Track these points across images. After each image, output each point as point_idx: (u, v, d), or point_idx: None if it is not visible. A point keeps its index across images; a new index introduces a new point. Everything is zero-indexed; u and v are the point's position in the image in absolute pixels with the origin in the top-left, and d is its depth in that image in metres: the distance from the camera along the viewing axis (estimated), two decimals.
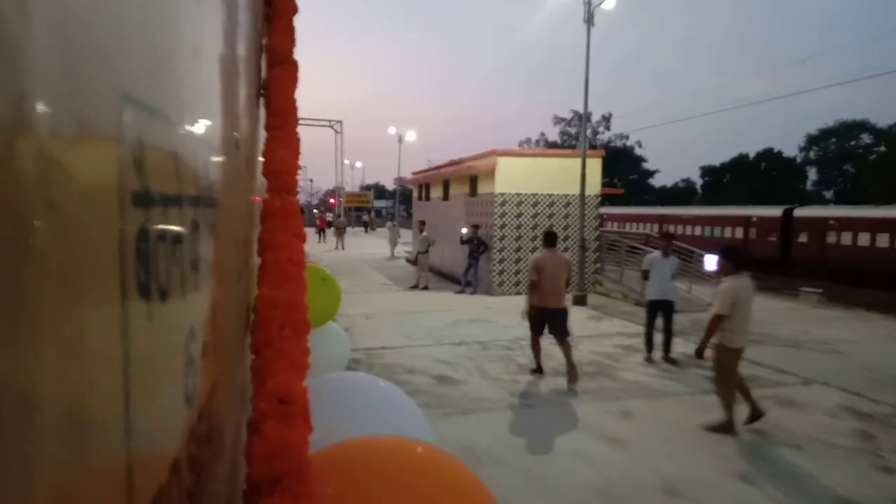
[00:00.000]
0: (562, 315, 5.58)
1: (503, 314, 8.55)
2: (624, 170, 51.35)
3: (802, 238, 20.33)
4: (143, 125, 0.43)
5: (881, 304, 11.55)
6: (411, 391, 4.82)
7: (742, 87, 49.04)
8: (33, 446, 0.28)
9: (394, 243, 19.88)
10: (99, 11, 0.35)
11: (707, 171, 53.24)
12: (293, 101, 1.25)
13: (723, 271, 4.50)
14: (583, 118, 11.16)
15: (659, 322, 6.36)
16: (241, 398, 1.08)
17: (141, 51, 0.43)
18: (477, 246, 11.05)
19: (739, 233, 22.64)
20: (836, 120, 48.79)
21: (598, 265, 11.70)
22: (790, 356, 6.62)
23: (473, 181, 12.05)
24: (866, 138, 47.29)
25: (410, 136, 36.67)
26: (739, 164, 49.90)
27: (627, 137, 52.27)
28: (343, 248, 22.13)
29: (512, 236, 11.14)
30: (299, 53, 1.33)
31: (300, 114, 1.30)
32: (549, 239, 5.73)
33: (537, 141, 56.09)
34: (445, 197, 13.97)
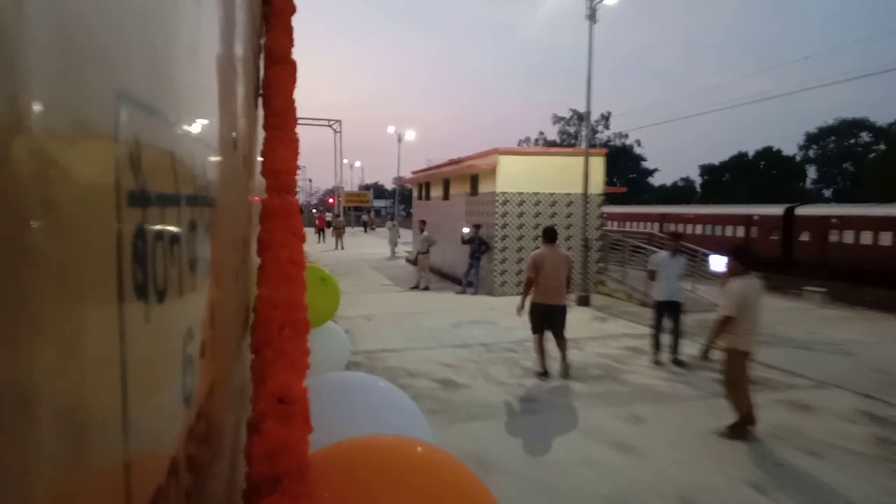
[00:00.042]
0: (561, 312, 5.64)
1: (505, 315, 8.50)
2: (623, 169, 51.34)
3: (804, 237, 20.31)
4: (141, 124, 0.43)
5: (884, 303, 11.54)
6: (414, 396, 4.79)
7: (742, 87, 48.94)
8: (32, 446, 0.28)
9: (394, 243, 19.88)
10: (96, 10, 0.35)
11: (706, 170, 53.20)
12: (292, 101, 1.25)
13: (731, 271, 4.43)
14: (585, 116, 11.15)
15: (666, 323, 6.30)
16: (240, 398, 1.08)
17: (138, 50, 0.43)
18: (478, 246, 11.04)
19: (741, 231, 22.63)
20: (836, 118, 48.90)
21: (602, 265, 11.68)
22: (801, 358, 6.55)
23: (474, 180, 12.04)
24: (866, 137, 47.30)
25: (410, 135, 36.65)
26: (739, 163, 49.86)
27: (627, 136, 52.29)
28: (342, 248, 22.13)
29: (514, 236, 11.13)
30: (298, 53, 1.33)
31: (299, 113, 1.30)
32: (549, 235, 5.73)
33: (536, 140, 56.13)
34: (446, 196, 13.96)
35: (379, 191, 79.68)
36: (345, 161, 41.96)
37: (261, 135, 1.21)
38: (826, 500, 3.39)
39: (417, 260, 12.45)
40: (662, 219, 26.97)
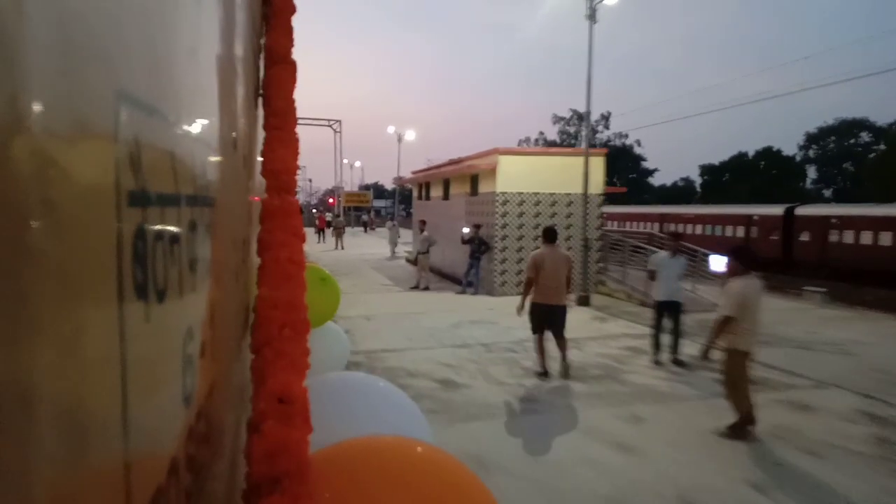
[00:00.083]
0: (561, 312, 5.65)
1: (505, 315, 8.50)
2: (623, 169, 51.36)
3: (804, 237, 20.31)
4: (141, 124, 0.43)
5: (884, 303, 11.54)
6: (414, 396, 4.78)
7: (742, 87, 48.97)
8: (32, 446, 0.28)
9: (394, 243, 19.88)
10: (96, 10, 0.35)
11: (706, 170, 53.21)
12: (292, 101, 1.25)
13: (731, 271, 4.43)
14: (585, 116, 11.15)
15: (666, 323, 6.30)
16: (240, 398, 1.08)
17: (138, 50, 0.43)
18: (478, 246, 11.04)
19: (741, 231, 22.64)
20: (836, 118, 48.90)
21: (602, 265, 11.69)
22: (801, 358, 6.55)
23: (474, 180, 12.04)
24: (866, 136, 47.31)
25: (410, 135, 36.65)
26: (739, 163, 49.86)
27: (627, 136, 52.31)
28: (342, 248, 22.14)
29: (514, 236, 11.13)
30: (298, 53, 1.33)
31: (299, 113, 1.30)
32: (549, 235, 5.74)
33: (536, 140, 56.15)
34: (446, 196, 13.96)
35: (379, 191, 79.69)
36: (345, 161, 42.02)
37: (261, 135, 1.21)
38: (826, 500, 3.39)
39: (417, 260, 12.45)
40: (662, 219, 26.98)
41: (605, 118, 52.45)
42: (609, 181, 16.14)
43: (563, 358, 5.72)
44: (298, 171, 1.22)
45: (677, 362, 6.20)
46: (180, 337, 0.57)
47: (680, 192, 56.24)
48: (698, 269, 10.51)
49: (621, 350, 6.90)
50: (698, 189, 55.02)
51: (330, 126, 32.97)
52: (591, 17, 10.31)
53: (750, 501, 3.38)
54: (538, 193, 11.11)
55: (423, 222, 13.55)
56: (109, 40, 0.37)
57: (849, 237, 18.57)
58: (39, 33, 0.28)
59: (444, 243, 12.90)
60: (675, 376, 5.87)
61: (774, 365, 6.09)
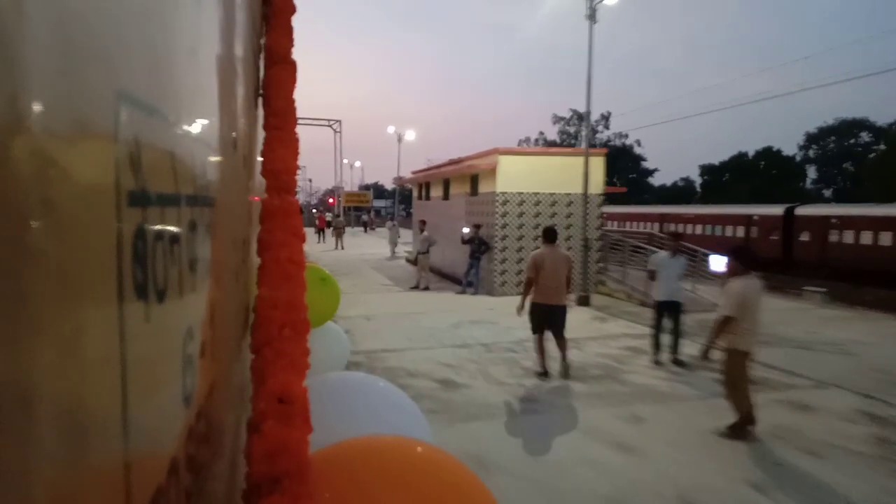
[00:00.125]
0: (561, 312, 5.65)
1: (505, 315, 8.50)
2: (623, 168, 51.36)
3: (804, 237, 20.31)
4: (141, 124, 0.43)
5: (884, 303, 11.54)
6: (414, 396, 4.78)
7: (742, 87, 49.01)
8: (32, 446, 0.28)
9: (394, 243, 19.88)
10: (96, 10, 0.35)
11: (706, 170, 53.21)
12: (292, 101, 1.25)
13: (731, 271, 4.43)
14: (585, 116, 11.15)
15: (666, 323, 6.30)
16: (240, 398, 1.08)
17: (138, 50, 0.43)
18: (478, 246, 11.04)
19: (741, 231, 22.64)
20: (836, 118, 48.90)
21: (602, 265, 11.69)
22: (801, 358, 6.55)
23: (474, 180, 12.04)
24: (866, 136, 47.32)
25: (410, 135, 36.65)
26: (739, 163, 49.86)
27: (627, 136, 52.31)
28: (342, 248, 22.14)
29: (514, 236, 11.13)
30: (298, 53, 1.33)
31: (299, 113, 1.30)
32: (549, 235, 5.74)
33: (536, 140, 56.16)
34: (446, 196, 13.96)
35: (379, 191, 79.68)
36: (345, 161, 42.02)
37: (261, 135, 1.21)
38: (826, 500, 3.39)
39: (417, 260, 12.45)
40: (662, 219, 26.98)
41: (605, 118, 52.47)
42: (609, 181, 16.13)
43: (563, 358, 5.73)
44: (298, 171, 1.22)
45: (677, 362, 6.19)
46: (180, 337, 0.57)
47: (680, 192, 56.24)
48: (698, 269, 10.51)
49: (621, 350, 6.90)
50: (698, 189, 55.02)
51: (330, 126, 32.97)
52: (591, 17, 10.31)
53: (750, 501, 3.38)
54: (538, 193, 11.11)
55: (423, 222, 13.55)
56: (109, 40, 0.37)
57: (849, 237, 18.57)
58: (39, 33, 0.28)
59: (444, 243, 12.90)
60: (675, 376, 5.87)
61: (774, 365, 6.09)
